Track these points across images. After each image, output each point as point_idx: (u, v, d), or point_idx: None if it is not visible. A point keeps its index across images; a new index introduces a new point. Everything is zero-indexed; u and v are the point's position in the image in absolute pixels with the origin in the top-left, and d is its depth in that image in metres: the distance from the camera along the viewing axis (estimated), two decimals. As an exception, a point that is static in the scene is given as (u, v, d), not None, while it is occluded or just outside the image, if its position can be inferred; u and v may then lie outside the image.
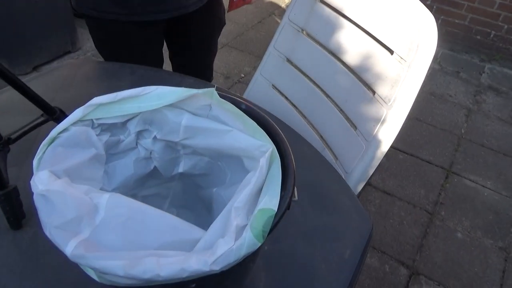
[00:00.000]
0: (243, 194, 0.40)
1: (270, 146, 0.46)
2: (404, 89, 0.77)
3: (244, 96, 1.13)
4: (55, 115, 0.68)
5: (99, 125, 0.49)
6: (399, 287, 1.29)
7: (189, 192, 0.62)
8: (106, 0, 0.89)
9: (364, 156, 0.81)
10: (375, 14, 0.85)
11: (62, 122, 0.46)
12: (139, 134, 0.53)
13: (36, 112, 0.69)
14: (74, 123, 0.46)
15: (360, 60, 0.88)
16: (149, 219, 0.40)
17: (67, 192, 0.39)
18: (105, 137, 0.50)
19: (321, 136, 0.94)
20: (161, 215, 0.40)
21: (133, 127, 0.51)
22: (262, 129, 0.48)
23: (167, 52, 1.20)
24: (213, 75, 1.33)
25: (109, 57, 1.04)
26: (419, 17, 0.78)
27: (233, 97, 0.53)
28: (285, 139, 0.48)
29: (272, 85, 1.08)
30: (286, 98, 1.04)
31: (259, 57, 2.44)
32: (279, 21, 2.79)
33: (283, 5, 2.96)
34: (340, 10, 0.93)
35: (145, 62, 0.96)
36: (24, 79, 0.73)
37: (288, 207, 0.42)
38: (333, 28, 0.94)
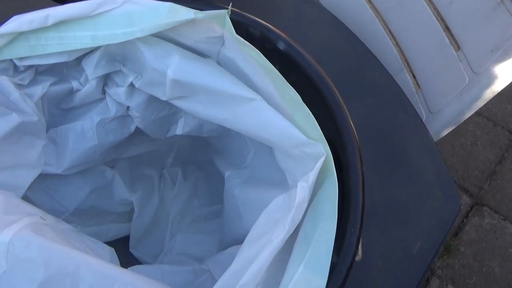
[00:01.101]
0: (255, 267, 0.21)
1: (322, 150, 0.24)
2: None
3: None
4: None
5: (28, 68, 0.28)
6: (457, 216, 1.13)
7: (199, 147, 0.43)
8: None
9: (463, 94, 0.55)
10: None
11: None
12: (107, 79, 0.32)
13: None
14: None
15: None
16: (86, 285, 0.22)
17: None
18: (42, 86, 0.29)
19: (401, 51, 0.66)
20: (112, 277, 0.22)
21: (91, 68, 0.30)
22: (314, 100, 0.25)
23: None
24: None
25: None
26: None
27: (262, 23, 0.29)
28: (353, 128, 0.26)
29: (341, -40, 0.74)
30: (359, -17, 0.72)
31: None
32: None
33: None
34: None
35: None
36: None
37: (345, 281, 0.22)
38: None
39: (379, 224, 0.47)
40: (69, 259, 0.21)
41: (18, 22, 0.26)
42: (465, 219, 1.15)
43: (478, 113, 1.28)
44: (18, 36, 0.27)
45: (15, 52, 0.27)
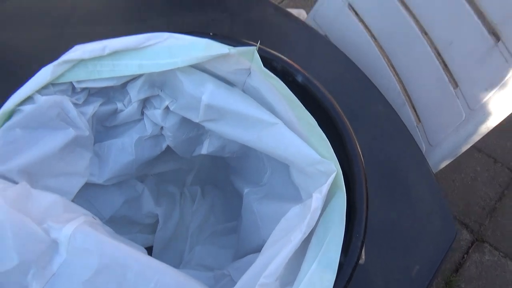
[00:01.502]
0: (276, 262, 0.24)
1: (333, 168, 0.28)
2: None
3: (309, 18, 0.89)
4: None
5: (83, 89, 0.33)
6: (458, 252, 1.15)
7: (218, 167, 0.47)
8: None
9: (460, 129, 0.60)
10: None
11: (22, 87, 0.31)
12: (146, 102, 0.37)
13: None
14: (41, 89, 0.31)
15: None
16: (133, 274, 0.26)
17: (9, 221, 0.25)
18: (93, 106, 0.34)
19: (403, 86, 0.71)
20: (153, 267, 0.26)
21: (134, 93, 0.35)
22: (325, 125, 0.30)
23: None
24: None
25: None
26: None
27: (285, 59, 0.34)
28: (359, 152, 0.30)
29: (349, 4, 0.82)
30: (365, 25, 0.79)
31: None
32: None
33: None
34: None
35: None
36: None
37: (349, 279, 0.26)
38: None
39: (380, 247, 0.50)
40: (120, 251, 0.25)
41: (81, 52, 0.31)
42: (466, 255, 1.17)
43: (478, 149, 1.32)
44: (79, 62, 0.32)
45: (75, 76, 0.32)
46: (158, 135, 0.38)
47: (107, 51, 0.32)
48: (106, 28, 0.67)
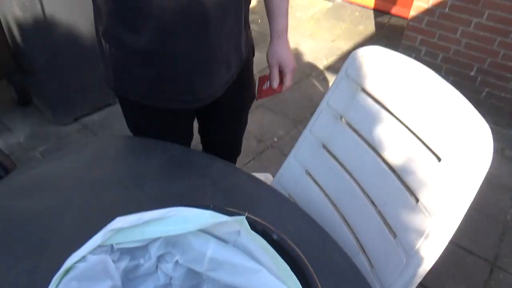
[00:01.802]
0: None
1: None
2: (453, 204, 0.70)
3: (275, 181, 1.09)
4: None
5: (119, 249, 0.46)
6: None
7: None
8: (145, 87, 0.90)
9: (403, 273, 0.73)
10: (422, 113, 0.80)
11: (80, 249, 0.43)
12: (160, 257, 0.49)
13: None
14: (92, 250, 0.43)
15: (403, 160, 0.82)
16: None
17: None
18: (124, 262, 0.46)
19: (356, 237, 0.87)
20: None
21: (154, 250, 0.47)
22: (295, 272, 0.43)
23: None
24: (246, 138, 1.30)
25: (140, 134, 1.03)
26: (473, 126, 0.72)
27: (264, 223, 0.49)
28: (320, 288, 0.43)
29: (306, 170, 1.03)
30: (320, 187, 0.99)
31: (294, 121, 2.43)
32: (316, 83, 2.81)
33: (321, 67, 2.99)
34: (383, 103, 0.89)
35: (176, 139, 0.95)
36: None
37: None
38: (374, 120, 0.90)
39: None
40: None
41: (123, 222, 0.45)
42: None
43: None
44: (120, 230, 0.45)
45: (116, 239, 0.45)
46: (167, 284, 0.49)
47: (140, 222, 0.45)
48: (111, 193, 0.81)
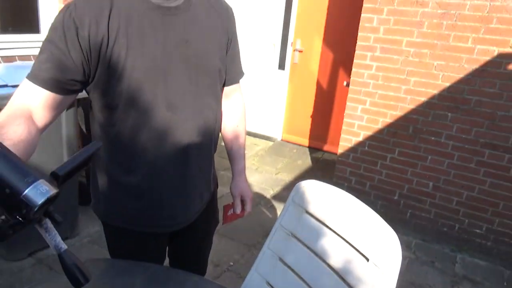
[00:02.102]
0: None
1: None
2: (382, 293, 0.92)
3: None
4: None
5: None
6: None
7: None
8: (133, 215, 1.10)
9: None
10: (352, 227, 1.07)
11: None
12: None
13: None
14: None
15: (342, 264, 1.05)
16: None
17: None
18: None
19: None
20: None
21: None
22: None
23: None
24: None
25: (121, 256, 1.18)
26: (385, 235, 1.00)
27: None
28: None
29: (267, 282, 1.21)
30: (280, 295, 1.16)
31: (248, 245, 2.61)
32: (265, 210, 3.08)
33: (268, 196, 3.31)
34: (323, 221, 1.16)
35: (152, 260, 1.11)
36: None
37: None
38: (318, 235, 1.15)
39: None
40: None
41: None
42: None
43: None
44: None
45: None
46: None
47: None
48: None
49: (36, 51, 3.00)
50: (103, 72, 0.93)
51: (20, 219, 0.51)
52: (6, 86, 2.04)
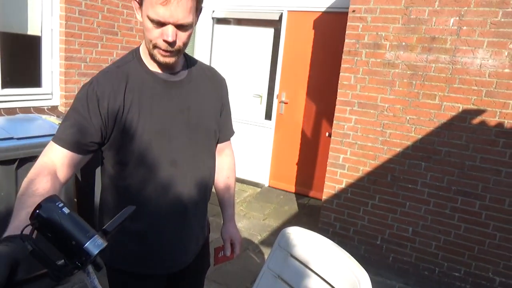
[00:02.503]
0: None
1: None
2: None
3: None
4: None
5: None
6: None
7: None
8: (136, 258, 1.23)
9: None
10: (332, 268, 1.22)
11: None
12: None
13: None
14: None
15: (324, 302, 1.19)
16: None
17: None
18: None
19: None
20: None
21: None
22: None
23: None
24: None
25: None
26: (357, 274, 1.15)
27: None
28: None
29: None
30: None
31: (237, 291, 2.67)
32: (253, 256, 3.17)
33: (256, 241, 3.41)
34: (306, 263, 1.30)
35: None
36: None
37: None
38: (302, 276, 1.29)
39: None
40: None
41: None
42: None
43: None
44: None
45: None
46: None
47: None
48: None
49: (37, 103, 3.20)
50: (117, 134, 1.11)
51: (79, 264, 0.66)
52: (12, 138, 2.19)
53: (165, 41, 1.04)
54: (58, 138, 1.06)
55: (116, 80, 1.10)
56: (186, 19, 1.03)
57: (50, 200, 0.69)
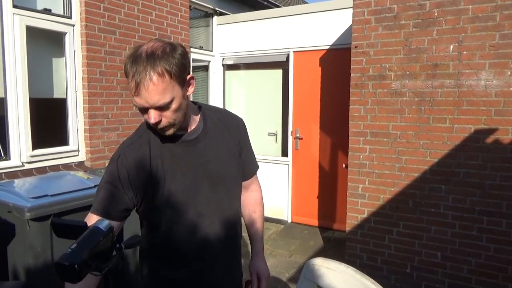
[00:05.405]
0: None
1: None
2: None
3: None
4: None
5: None
6: None
7: None
8: None
9: None
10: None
11: None
12: None
13: None
14: None
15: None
16: None
17: None
18: None
19: None
20: None
21: None
22: None
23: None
24: None
25: None
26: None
27: None
28: None
29: None
30: None
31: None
32: (283, 295, 3.15)
33: (284, 279, 3.39)
34: (333, 294, 1.34)
35: None
36: None
37: None
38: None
39: None
40: None
41: None
42: None
43: None
44: None
45: None
46: None
47: None
48: None
49: (65, 161, 3.39)
50: (147, 199, 1.22)
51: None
52: (46, 196, 2.33)
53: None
54: (96, 209, 1.18)
55: (140, 150, 1.22)
56: (162, 100, 1.08)
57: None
